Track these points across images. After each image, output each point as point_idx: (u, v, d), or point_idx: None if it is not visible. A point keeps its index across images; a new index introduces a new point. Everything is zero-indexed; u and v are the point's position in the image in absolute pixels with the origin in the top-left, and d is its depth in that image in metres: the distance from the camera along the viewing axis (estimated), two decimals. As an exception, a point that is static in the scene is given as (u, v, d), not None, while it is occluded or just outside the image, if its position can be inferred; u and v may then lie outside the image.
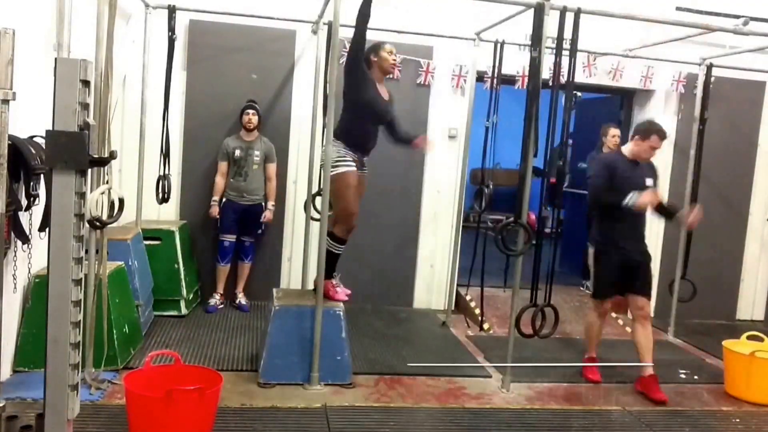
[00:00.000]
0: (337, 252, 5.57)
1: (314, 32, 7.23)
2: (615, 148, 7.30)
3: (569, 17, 5.38)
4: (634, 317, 5.80)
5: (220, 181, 7.16)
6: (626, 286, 5.75)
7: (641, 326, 5.68)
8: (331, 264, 5.54)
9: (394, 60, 5.60)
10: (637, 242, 5.74)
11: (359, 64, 5.33)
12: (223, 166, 7.14)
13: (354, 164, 5.44)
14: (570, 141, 7.07)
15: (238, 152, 7.07)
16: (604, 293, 5.83)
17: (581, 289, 8.63)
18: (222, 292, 7.37)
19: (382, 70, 5.56)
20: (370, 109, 5.45)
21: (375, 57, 5.48)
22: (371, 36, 7.21)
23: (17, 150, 4.11)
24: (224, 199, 7.18)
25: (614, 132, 7.98)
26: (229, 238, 7.21)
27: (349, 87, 5.43)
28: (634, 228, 5.70)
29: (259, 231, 7.33)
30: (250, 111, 7.05)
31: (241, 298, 7.41)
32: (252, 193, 7.16)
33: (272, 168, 7.24)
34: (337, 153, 5.37)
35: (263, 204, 7.24)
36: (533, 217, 6.06)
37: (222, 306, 7.33)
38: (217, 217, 7.16)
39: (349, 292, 5.65)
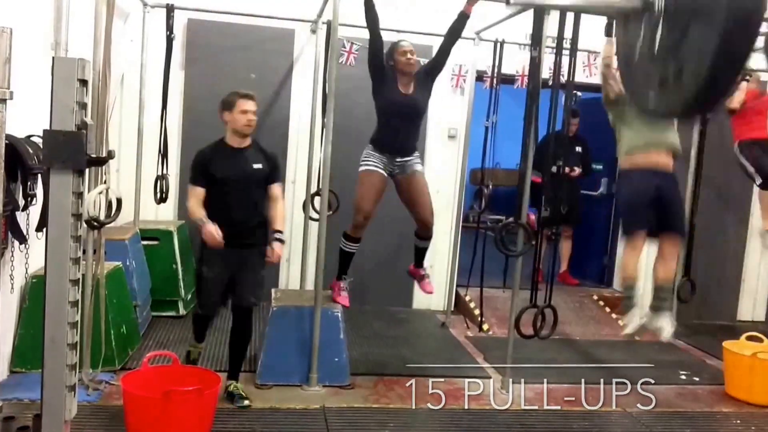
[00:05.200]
0: (348, 250, 5.63)
1: (313, 31, 7.21)
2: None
3: (569, 16, 5.36)
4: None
5: None
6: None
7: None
8: (342, 263, 5.67)
9: (408, 59, 5.48)
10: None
11: (373, 65, 5.46)
12: None
13: (375, 165, 5.50)
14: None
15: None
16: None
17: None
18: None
19: (399, 71, 5.51)
20: (386, 106, 5.50)
21: (391, 60, 5.51)
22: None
23: (14, 149, 4.09)
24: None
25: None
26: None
27: (373, 88, 5.57)
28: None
29: None
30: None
31: None
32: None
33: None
34: (363, 155, 5.57)
35: None
36: (533, 217, 6.04)
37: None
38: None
39: (348, 302, 5.72)
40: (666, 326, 5.44)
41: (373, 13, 5.35)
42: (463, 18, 5.56)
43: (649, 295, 5.63)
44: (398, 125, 5.52)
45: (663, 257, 5.51)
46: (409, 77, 5.54)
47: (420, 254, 6.08)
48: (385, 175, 5.54)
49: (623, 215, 5.75)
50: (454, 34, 5.62)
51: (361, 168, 5.52)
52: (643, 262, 5.68)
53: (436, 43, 7.34)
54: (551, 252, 6.59)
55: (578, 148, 8.35)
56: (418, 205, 5.70)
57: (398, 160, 5.57)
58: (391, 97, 5.48)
